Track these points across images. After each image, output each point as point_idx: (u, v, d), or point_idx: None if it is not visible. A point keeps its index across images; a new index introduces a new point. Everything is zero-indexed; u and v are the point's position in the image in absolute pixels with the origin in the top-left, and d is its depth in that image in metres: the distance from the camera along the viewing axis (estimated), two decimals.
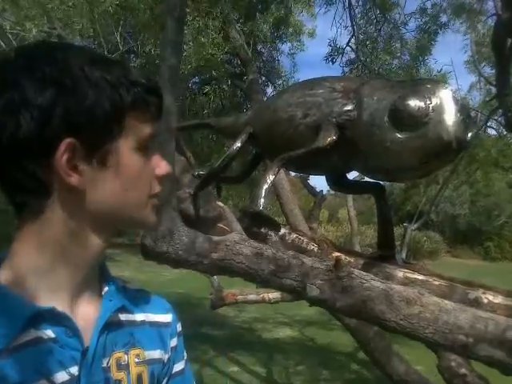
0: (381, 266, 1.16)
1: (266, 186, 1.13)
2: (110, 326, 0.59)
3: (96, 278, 0.62)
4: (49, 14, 3.75)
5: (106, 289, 0.62)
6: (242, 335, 6.77)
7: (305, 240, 1.22)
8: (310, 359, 5.65)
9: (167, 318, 0.69)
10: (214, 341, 6.25)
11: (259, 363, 5.56)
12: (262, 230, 1.14)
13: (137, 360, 0.61)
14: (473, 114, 5.40)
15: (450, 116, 1.02)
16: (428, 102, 1.04)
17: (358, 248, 4.77)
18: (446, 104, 1.03)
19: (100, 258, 0.61)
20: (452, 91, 1.07)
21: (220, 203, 1.19)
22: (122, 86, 0.56)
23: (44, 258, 0.56)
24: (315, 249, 1.20)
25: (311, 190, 4.55)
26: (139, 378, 0.61)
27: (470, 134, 1.04)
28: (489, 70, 6.37)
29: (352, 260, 1.19)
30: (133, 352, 0.61)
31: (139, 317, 0.65)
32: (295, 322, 7.23)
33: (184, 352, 0.72)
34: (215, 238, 1.06)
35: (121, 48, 4.52)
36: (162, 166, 0.62)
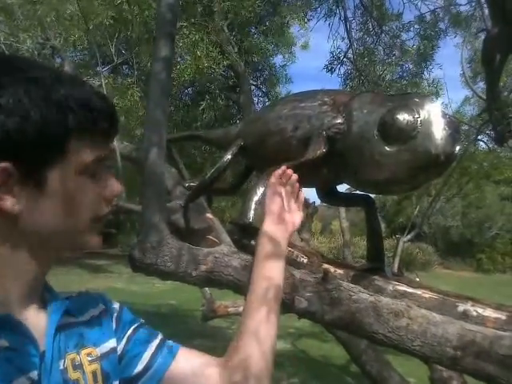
0: (370, 279, 1.16)
1: (255, 199, 1.14)
2: (61, 329, 0.59)
3: (40, 289, 0.61)
4: (43, 25, 3.77)
5: (50, 297, 0.62)
6: None
7: (295, 252, 1.22)
8: (303, 371, 5.60)
9: (102, 305, 0.70)
10: (207, 353, 6.17)
11: None
12: (252, 242, 1.14)
13: (89, 358, 0.62)
14: (465, 127, 5.45)
15: (438, 130, 1.03)
16: (416, 116, 1.05)
17: (350, 259, 4.76)
18: (433, 118, 1.04)
19: (41, 279, 0.60)
20: (440, 105, 1.08)
21: (210, 215, 1.19)
22: (68, 106, 0.52)
23: None
24: (305, 261, 1.20)
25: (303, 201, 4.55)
26: (94, 375, 0.62)
27: (457, 148, 1.05)
28: (482, 85, 6.44)
29: (342, 272, 1.19)
30: (84, 352, 0.62)
31: (85, 317, 0.65)
32: (288, 334, 7.18)
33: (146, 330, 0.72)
34: (204, 250, 1.06)
35: (115, 60, 4.54)
36: (112, 187, 0.60)
